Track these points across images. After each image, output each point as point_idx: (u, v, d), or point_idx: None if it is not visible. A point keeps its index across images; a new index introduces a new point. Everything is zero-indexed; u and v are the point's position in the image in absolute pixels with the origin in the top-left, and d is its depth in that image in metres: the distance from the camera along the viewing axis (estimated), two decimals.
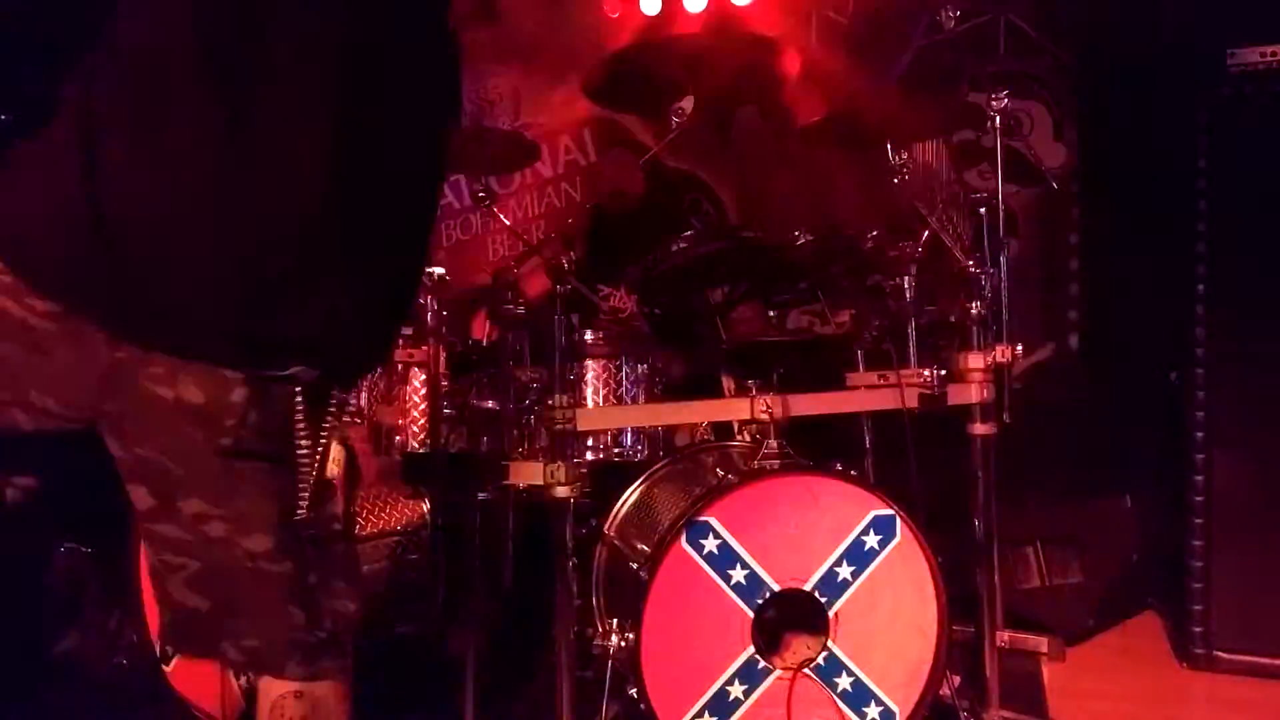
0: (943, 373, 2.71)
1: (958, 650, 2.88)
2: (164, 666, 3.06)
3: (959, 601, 2.83)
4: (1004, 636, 3.34)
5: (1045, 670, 3.26)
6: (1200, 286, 3.26)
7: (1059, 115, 4.22)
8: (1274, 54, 3.18)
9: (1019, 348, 2.99)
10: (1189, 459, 3.29)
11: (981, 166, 3.54)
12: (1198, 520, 3.26)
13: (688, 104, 2.64)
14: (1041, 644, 3.34)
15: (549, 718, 2.49)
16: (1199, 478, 3.27)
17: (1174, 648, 3.40)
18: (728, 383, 3.16)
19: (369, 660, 2.75)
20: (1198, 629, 3.25)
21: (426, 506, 3.10)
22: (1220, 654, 3.22)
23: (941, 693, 2.70)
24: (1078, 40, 4.03)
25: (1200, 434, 3.27)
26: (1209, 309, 3.25)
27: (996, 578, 3.33)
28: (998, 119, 3.16)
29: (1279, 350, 3.17)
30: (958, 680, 2.87)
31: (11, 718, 2.59)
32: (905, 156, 2.79)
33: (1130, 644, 3.55)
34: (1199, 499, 3.26)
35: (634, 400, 2.78)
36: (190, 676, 3.00)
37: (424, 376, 2.69)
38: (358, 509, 2.94)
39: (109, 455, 1.57)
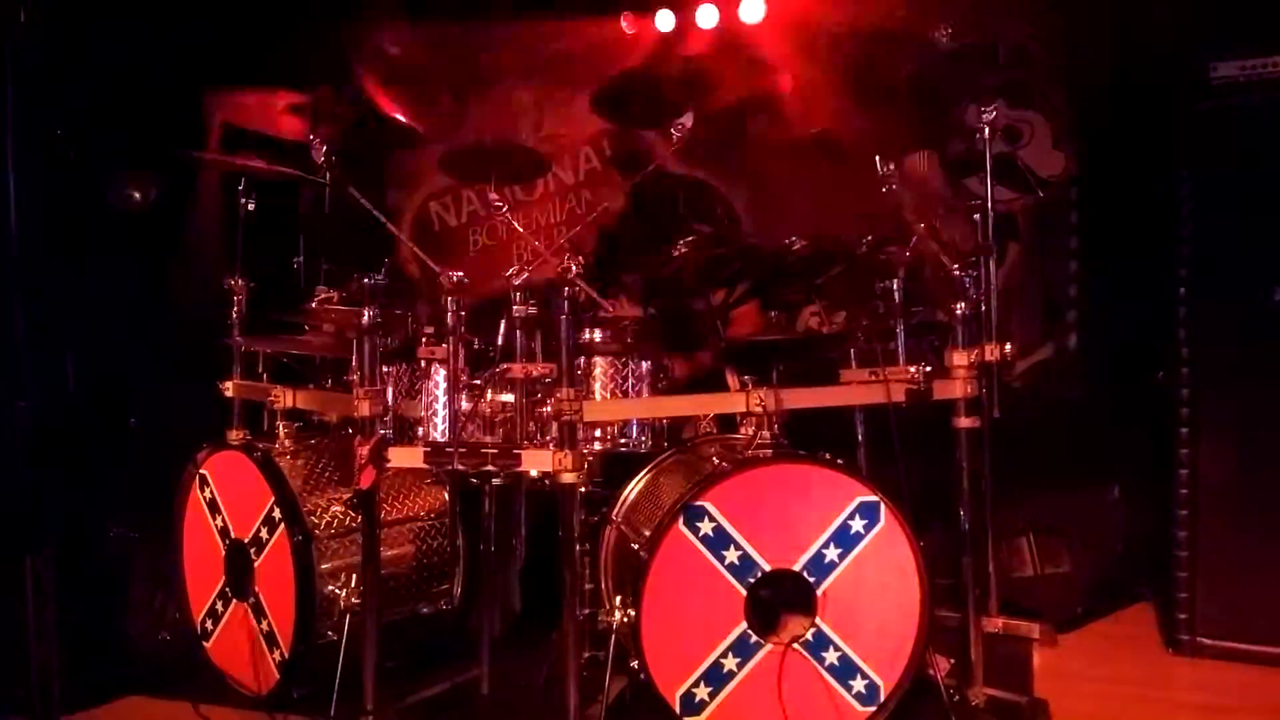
0: (929, 369, 2.88)
1: (952, 635, 3.05)
2: (204, 642, 3.31)
3: (956, 588, 3.00)
4: (997, 623, 3.53)
5: (1036, 654, 3.43)
6: (1182, 289, 3.41)
7: (1057, 124, 4.37)
8: (1253, 67, 3.32)
9: (1008, 346, 3.16)
10: (1175, 453, 3.43)
11: (981, 174, 3.68)
12: (1183, 512, 3.40)
13: (688, 119, 2.83)
14: (1034, 630, 3.53)
15: (560, 692, 2.68)
16: (1184, 471, 3.41)
17: (1162, 634, 3.54)
18: (731, 379, 3.36)
19: (394, 638, 3.00)
20: (1183, 616, 3.39)
21: (447, 493, 3.33)
22: (1205, 640, 3.36)
23: (929, 672, 2.87)
24: (1073, 53, 4.18)
25: (1185, 429, 3.41)
26: (1191, 310, 3.40)
27: (991, 566, 3.53)
28: (987, 131, 3.35)
29: (1259, 350, 3.31)
30: (951, 663, 3.03)
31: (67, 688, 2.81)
32: (891, 167, 2.96)
33: (1120, 631, 3.69)
34: (1184, 491, 3.40)
35: (638, 394, 2.97)
36: (228, 651, 3.24)
37: (444, 373, 2.89)
38: (383, 496, 3.16)
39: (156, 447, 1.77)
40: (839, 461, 2.79)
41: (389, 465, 2.77)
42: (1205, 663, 3.33)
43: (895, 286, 2.99)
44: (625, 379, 2.97)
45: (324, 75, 4.42)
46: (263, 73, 4.19)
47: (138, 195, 4.44)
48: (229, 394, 3.38)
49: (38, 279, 1.76)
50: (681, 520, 2.63)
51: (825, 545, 2.69)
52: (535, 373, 2.75)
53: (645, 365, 3.00)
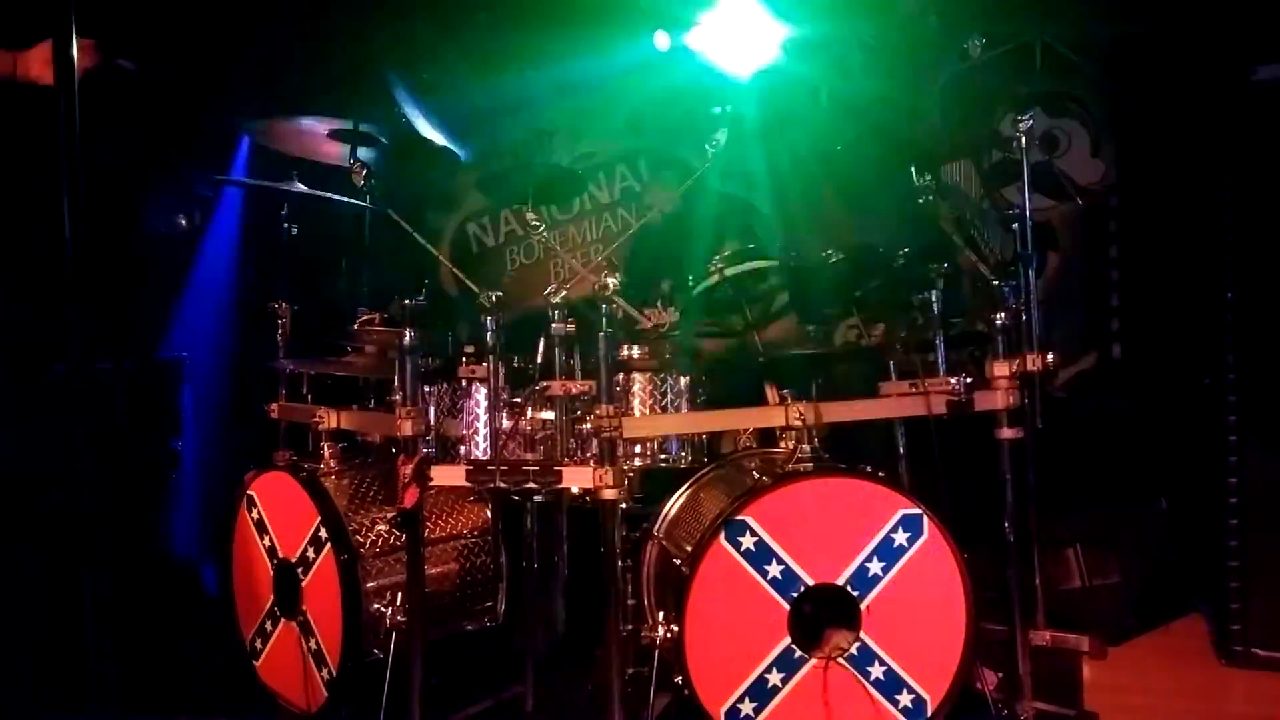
0: (969, 380, 2.86)
1: (1000, 649, 3.01)
2: (254, 661, 3.36)
3: (1003, 601, 2.97)
4: (1045, 636, 3.48)
5: (1086, 668, 3.39)
6: (1229, 294, 3.36)
7: (1096, 132, 4.34)
8: None
9: (1050, 356, 3.12)
10: (1223, 461, 3.38)
11: (1020, 183, 3.66)
12: (1233, 521, 3.35)
13: (721, 135, 2.84)
14: (1083, 643, 3.47)
15: (604, 708, 2.68)
16: (1233, 479, 3.36)
17: (1214, 646, 3.48)
18: (770, 392, 3.36)
19: (439, 655, 3.02)
20: (1236, 627, 3.34)
21: (489, 511, 3.35)
22: (1259, 651, 3.30)
23: (976, 686, 2.84)
24: (1111, 59, 4.15)
25: (1233, 437, 3.36)
26: (1238, 315, 3.36)
27: (1038, 578, 3.48)
28: (1023, 139, 3.33)
29: None
30: (999, 677, 3.00)
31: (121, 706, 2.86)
32: (928, 178, 2.95)
33: (1171, 643, 3.63)
34: (1233, 500, 3.35)
35: (677, 409, 2.99)
36: (277, 670, 3.29)
37: (485, 391, 2.92)
38: (427, 514, 3.19)
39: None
40: (880, 474, 2.78)
41: (432, 484, 2.80)
42: (1259, 674, 3.28)
43: (935, 298, 2.97)
44: (664, 394, 2.98)
45: (365, 100, 4.49)
46: (304, 98, 4.26)
47: (182, 221, 4.54)
48: (275, 415, 3.43)
49: (91, 305, 1.81)
50: (723, 535, 2.63)
51: (868, 559, 2.68)
52: (575, 390, 2.77)
53: (683, 380, 3.02)
